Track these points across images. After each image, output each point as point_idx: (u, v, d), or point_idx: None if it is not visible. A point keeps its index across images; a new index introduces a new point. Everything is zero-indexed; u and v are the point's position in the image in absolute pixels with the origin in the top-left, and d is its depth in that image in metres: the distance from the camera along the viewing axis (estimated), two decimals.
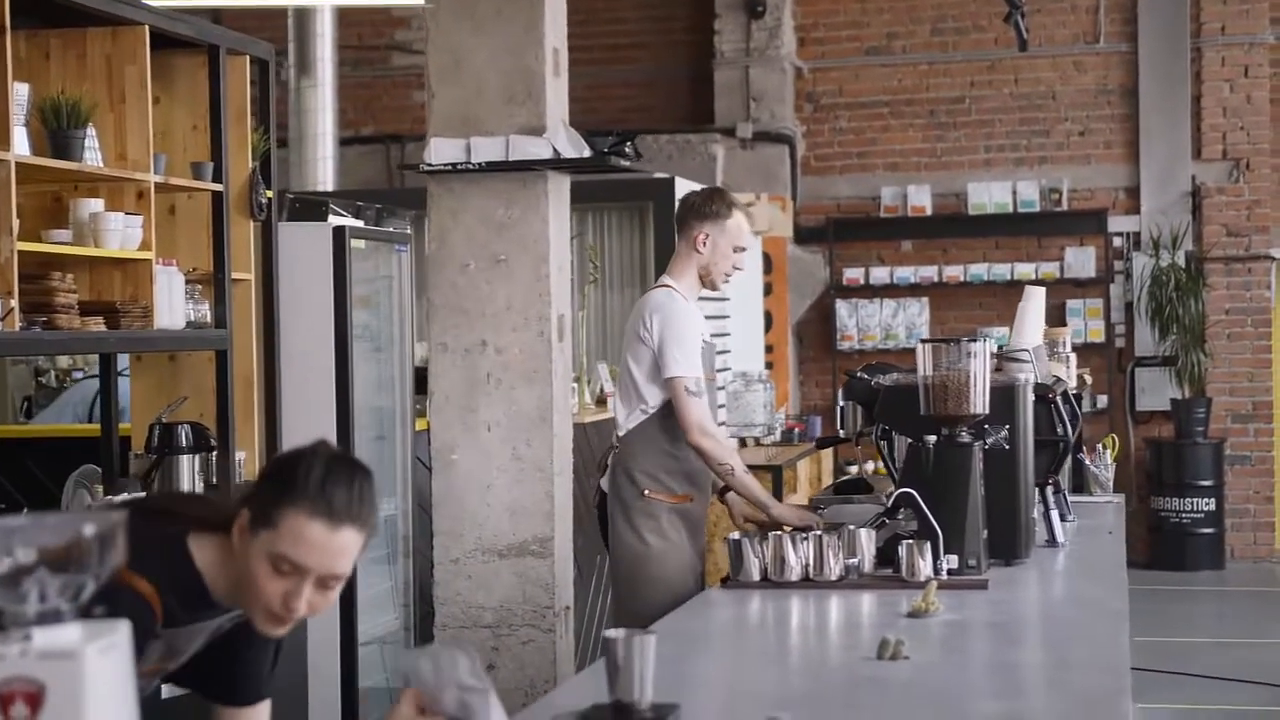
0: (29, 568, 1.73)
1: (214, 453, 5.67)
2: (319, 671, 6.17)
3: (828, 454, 11.04)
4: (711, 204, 5.41)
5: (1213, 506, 12.44)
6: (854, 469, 10.90)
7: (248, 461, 5.93)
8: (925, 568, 4.20)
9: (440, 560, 5.77)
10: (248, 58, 5.96)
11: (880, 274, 13.09)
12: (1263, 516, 12.83)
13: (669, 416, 5.27)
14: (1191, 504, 12.41)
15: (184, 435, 5.53)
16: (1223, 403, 12.75)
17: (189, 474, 5.51)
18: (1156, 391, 12.78)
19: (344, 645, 6.37)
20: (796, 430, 10.93)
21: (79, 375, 8.39)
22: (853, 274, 13.14)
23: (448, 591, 5.77)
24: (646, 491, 5.31)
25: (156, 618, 2.68)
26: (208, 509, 2.82)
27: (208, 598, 2.75)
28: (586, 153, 5.67)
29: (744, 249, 5.44)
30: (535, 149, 5.62)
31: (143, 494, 5.11)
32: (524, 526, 5.70)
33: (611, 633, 2.72)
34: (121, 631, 1.74)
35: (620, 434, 5.41)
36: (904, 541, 4.25)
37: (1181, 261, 12.61)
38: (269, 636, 2.81)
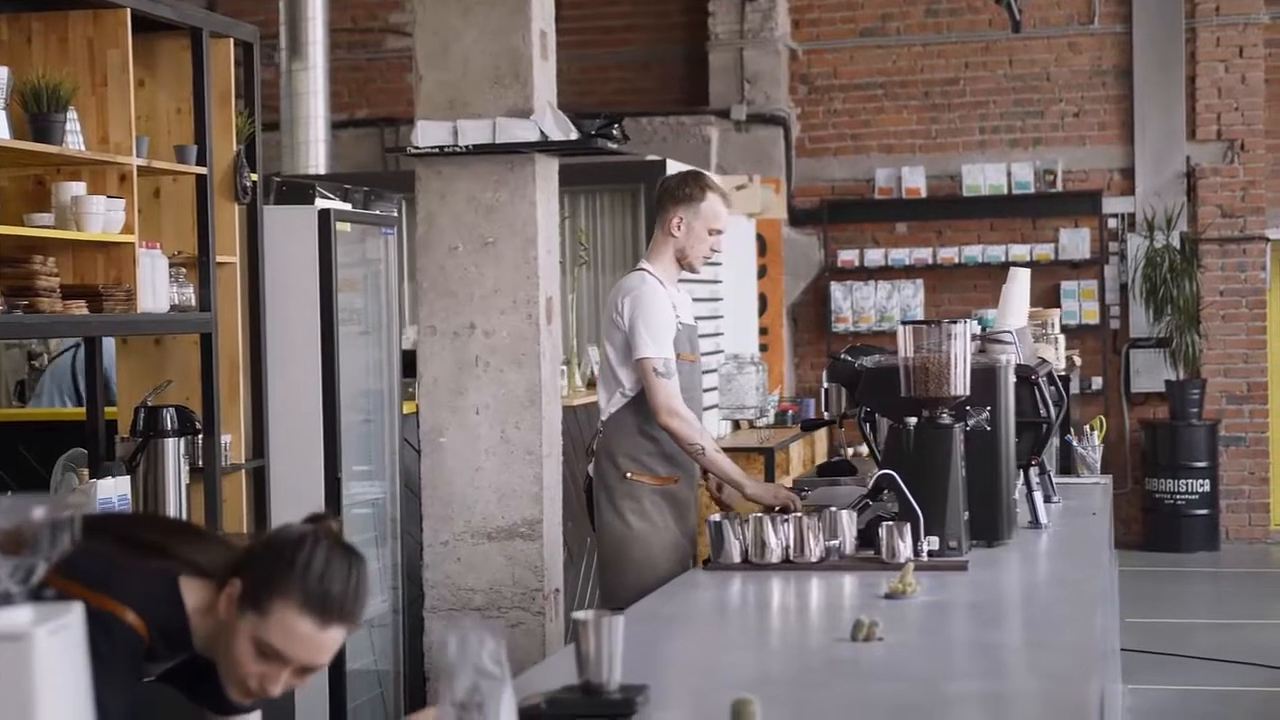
0: None
1: (199, 436, 5.68)
2: None
3: (821, 436, 11.06)
4: (685, 187, 5.42)
5: (1207, 488, 12.45)
6: (849, 451, 10.91)
7: (233, 445, 5.94)
8: (905, 549, 4.20)
9: (429, 543, 5.77)
10: (231, 40, 5.96)
11: (875, 256, 13.08)
12: (1257, 498, 12.84)
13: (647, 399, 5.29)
14: (1186, 485, 12.42)
15: (169, 418, 5.52)
16: (1217, 384, 12.75)
17: (174, 457, 5.51)
18: (1151, 373, 12.78)
19: None
20: (790, 413, 10.94)
21: None
22: (847, 256, 13.14)
23: (437, 574, 5.78)
24: (629, 474, 5.34)
25: (145, 651, 2.69)
26: (200, 552, 2.79)
27: (188, 641, 2.75)
28: (574, 135, 5.66)
29: (720, 231, 5.44)
30: (522, 131, 5.61)
31: (129, 512, 5.08)
32: (513, 509, 5.70)
33: (580, 614, 2.73)
34: (74, 613, 1.74)
35: (603, 418, 5.43)
36: (884, 523, 4.26)
37: (1176, 243, 12.61)
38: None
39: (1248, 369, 12.80)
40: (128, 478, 5.39)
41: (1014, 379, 4.79)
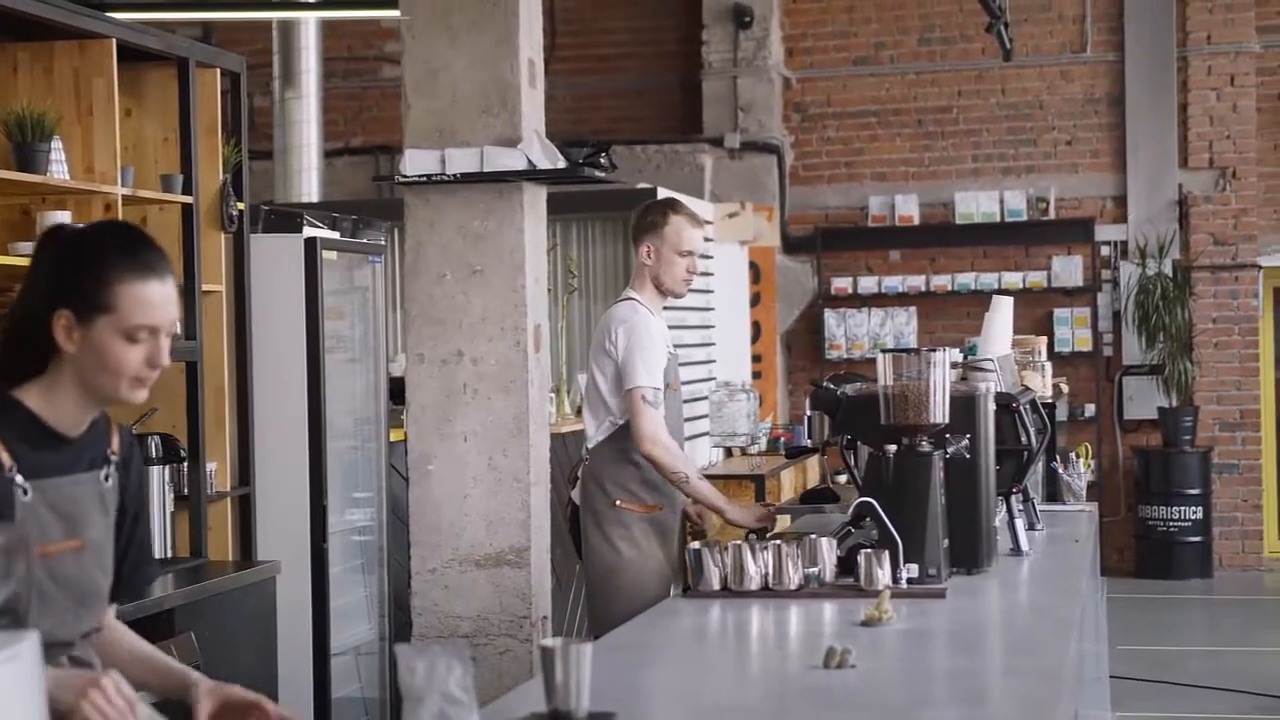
0: None
1: (184, 463, 5.69)
2: (291, 681, 6.18)
3: (814, 463, 11.06)
4: (649, 215, 5.50)
5: (1200, 515, 12.45)
6: (843, 479, 10.89)
7: (219, 472, 5.95)
8: (884, 577, 4.20)
9: (417, 570, 5.78)
10: (218, 70, 5.99)
11: (868, 284, 13.11)
12: (1250, 525, 12.84)
13: None
14: (1179, 512, 12.42)
15: (154, 446, 5.54)
16: (1210, 411, 12.76)
17: (159, 485, 5.52)
18: (1144, 400, 12.79)
19: (316, 654, 6.38)
20: (783, 440, 10.94)
21: None
22: (841, 283, 13.16)
23: (424, 601, 5.78)
24: (618, 502, 5.37)
25: (1, 460, 2.72)
26: (10, 370, 2.86)
27: (54, 433, 2.82)
28: (561, 164, 5.68)
29: (690, 253, 5.48)
30: (510, 160, 5.64)
31: None
32: (500, 536, 5.71)
33: (548, 642, 2.74)
34: (27, 643, 1.75)
35: (590, 446, 5.46)
36: (863, 551, 4.26)
37: (1169, 270, 12.63)
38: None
39: (1240, 396, 12.81)
40: None
41: (994, 407, 4.79)
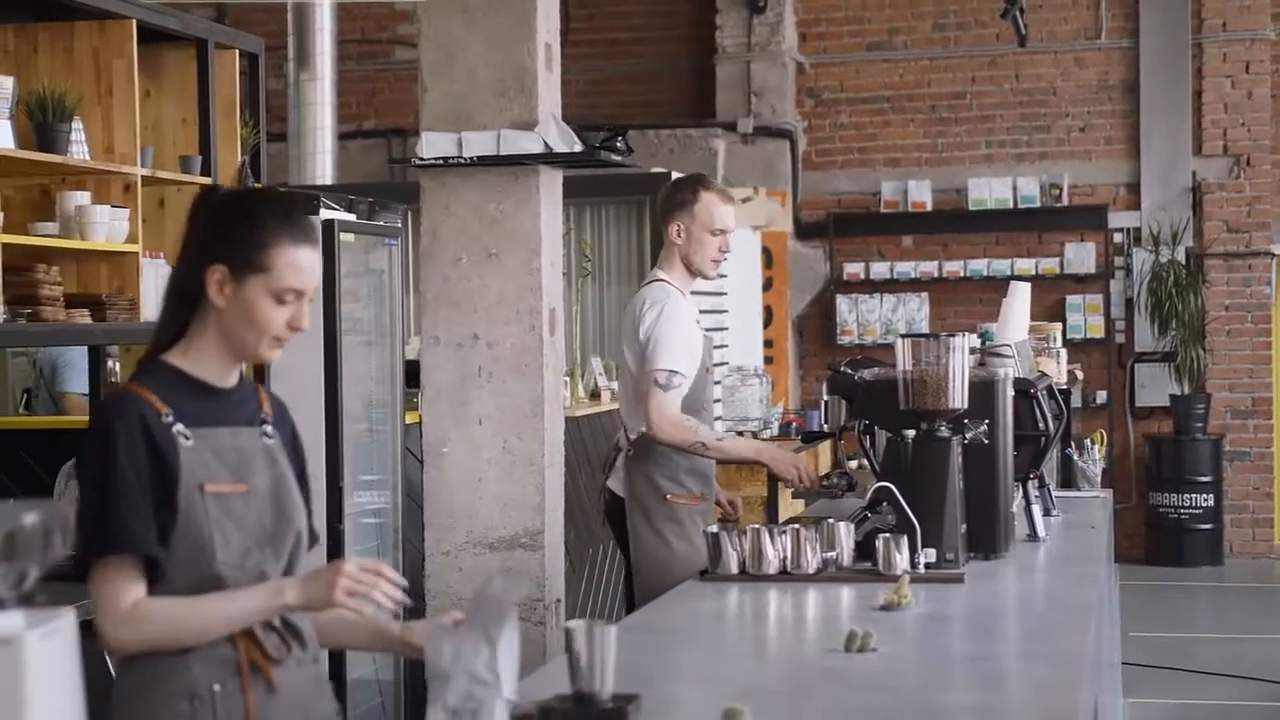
0: None
1: None
2: None
3: (827, 448, 11.06)
4: (678, 193, 5.42)
5: (1211, 502, 12.45)
6: (855, 464, 10.89)
7: None
8: (902, 562, 4.21)
9: (431, 552, 5.79)
10: (237, 52, 6.00)
11: (880, 269, 13.11)
12: (1261, 512, 12.84)
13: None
14: (1190, 500, 12.42)
15: None
16: (1222, 399, 12.76)
17: None
18: (1156, 387, 12.79)
19: None
20: (795, 424, 10.94)
21: None
22: (853, 269, 13.17)
23: (438, 584, 5.79)
24: (669, 495, 5.32)
25: (157, 408, 2.83)
26: (158, 337, 2.97)
27: (205, 386, 2.91)
28: (577, 147, 5.67)
29: (722, 231, 5.39)
30: (526, 143, 5.63)
31: None
32: (514, 519, 5.71)
33: (572, 624, 2.75)
34: (66, 619, 1.76)
35: (633, 436, 5.39)
36: (881, 535, 4.27)
37: (1181, 257, 12.63)
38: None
39: (1252, 384, 12.81)
40: None
41: (1012, 392, 4.80)
